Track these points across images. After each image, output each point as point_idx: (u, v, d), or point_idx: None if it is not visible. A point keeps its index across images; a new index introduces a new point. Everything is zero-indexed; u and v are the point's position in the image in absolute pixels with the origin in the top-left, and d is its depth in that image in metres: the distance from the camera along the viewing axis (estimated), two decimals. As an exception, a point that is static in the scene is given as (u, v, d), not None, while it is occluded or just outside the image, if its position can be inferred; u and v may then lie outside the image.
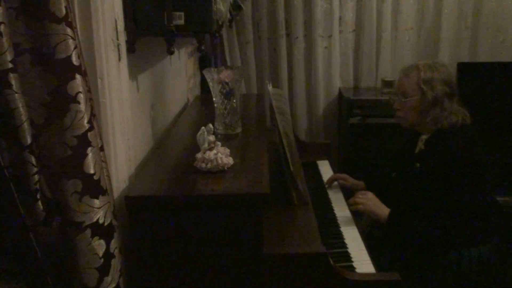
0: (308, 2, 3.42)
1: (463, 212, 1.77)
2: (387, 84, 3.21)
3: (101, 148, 1.14)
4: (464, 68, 3.29)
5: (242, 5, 3.04)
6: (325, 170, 2.44)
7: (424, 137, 1.95)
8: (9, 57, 0.87)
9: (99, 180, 1.08)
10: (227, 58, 3.39)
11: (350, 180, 2.27)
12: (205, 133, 1.47)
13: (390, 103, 2.03)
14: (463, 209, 1.77)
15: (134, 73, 1.62)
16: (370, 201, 1.92)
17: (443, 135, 1.85)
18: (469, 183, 1.77)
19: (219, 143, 1.48)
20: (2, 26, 0.85)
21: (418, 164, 1.91)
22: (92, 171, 1.06)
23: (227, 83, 1.78)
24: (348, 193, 2.23)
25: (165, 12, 1.47)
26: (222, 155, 1.46)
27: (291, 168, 1.74)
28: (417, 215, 1.86)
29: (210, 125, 1.48)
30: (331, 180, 2.27)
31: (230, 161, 1.49)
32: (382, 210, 1.89)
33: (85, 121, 1.04)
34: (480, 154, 1.82)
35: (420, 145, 1.96)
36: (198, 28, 1.57)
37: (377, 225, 2.02)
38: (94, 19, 1.21)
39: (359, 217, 2.01)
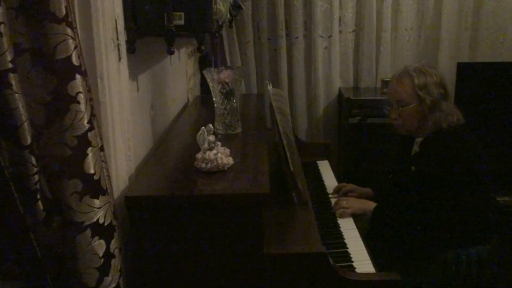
0: (308, 2, 3.42)
1: (462, 212, 1.77)
2: (387, 84, 3.20)
3: (101, 148, 1.14)
4: (464, 68, 3.29)
5: (242, 5, 3.05)
6: (325, 170, 2.44)
7: (419, 139, 1.94)
8: (9, 57, 0.87)
9: (99, 180, 1.08)
10: (227, 58, 3.39)
11: (358, 191, 2.21)
12: (205, 133, 1.47)
13: (386, 113, 2.01)
14: (462, 209, 1.77)
15: (134, 73, 1.62)
16: (355, 202, 1.94)
17: (439, 137, 1.84)
18: (468, 184, 1.77)
19: (219, 143, 1.48)
20: (2, 26, 0.85)
21: (413, 167, 1.91)
22: (92, 171, 1.06)
23: (227, 83, 1.78)
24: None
25: (165, 12, 1.47)
26: (222, 155, 1.46)
27: (291, 168, 1.74)
28: (404, 208, 1.87)
29: (210, 125, 1.48)
30: (338, 189, 2.20)
31: (230, 161, 1.49)
32: (369, 204, 1.92)
33: (85, 121, 1.04)
34: (478, 153, 1.82)
35: (416, 148, 1.96)
36: (198, 28, 1.57)
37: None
38: (94, 19, 1.21)
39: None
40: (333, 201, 2.09)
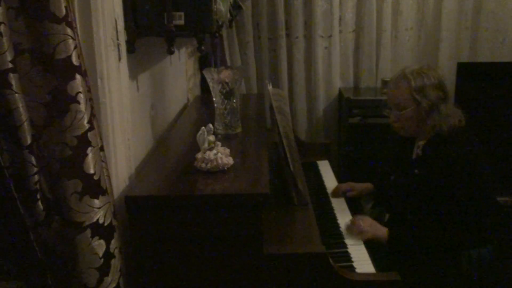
0: (308, 2, 3.42)
1: (464, 215, 1.77)
2: (387, 84, 3.21)
3: (101, 148, 1.14)
4: (464, 68, 3.29)
5: (242, 5, 3.04)
6: (325, 170, 2.44)
7: (421, 143, 1.92)
8: (9, 57, 0.87)
9: (99, 180, 1.08)
10: (227, 58, 3.39)
11: (358, 187, 2.20)
12: (205, 133, 1.47)
13: (386, 116, 2.00)
14: (464, 212, 1.76)
15: (134, 73, 1.62)
16: (369, 227, 1.81)
17: (441, 140, 1.83)
18: (471, 187, 1.76)
19: (219, 143, 1.48)
20: (2, 26, 0.85)
21: (416, 171, 1.90)
22: (92, 171, 1.06)
23: (227, 83, 1.78)
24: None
25: (165, 12, 1.47)
26: (222, 155, 1.46)
27: (291, 168, 1.74)
28: (416, 225, 1.83)
29: (210, 125, 1.48)
30: (337, 192, 2.17)
31: (230, 161, 1.49)
32: (382, 231, 1.81)
33: (85, 121, 1.04)
34: (480, 156, 1.81)
35: (418, 151, 1.95)
36: (198, 28, 1.57)
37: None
38: (94, 19, 1.21)
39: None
40: (333, 201, 2.09)
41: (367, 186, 2.23)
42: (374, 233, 1.79)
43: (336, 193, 2.17)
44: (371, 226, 1.81)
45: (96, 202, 1.07)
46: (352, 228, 1.81)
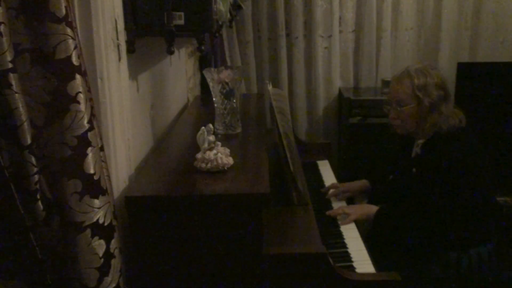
0: (308, 2, 3.42)
1: (462, 213, 1.77)
2: (387, 84, 3.19)
3: (101, 148, 1.14)
4: (464, 68, 3.29)
5: (242, 5, 3.05)
6: (325, 170, 2.44)
7: (420, 142, 1.93)
8: (9, 57, 0.87)
9: (99, 180, 1.08)
10: (227, 58, 3.39)
11: (353, 188, 2.19)
12: (205, 133, 1.47)
13: (385, 112, 2.01)
14: (463, 210, 1.77)
15: (134, 73, 1.62)
16: (355, 208, 1.92)
17: (440, 139, 1.83)
18: (469, 186, 1.76)
19: (219, 143, 1.48)
20: (2, 26, 0.85)
21: (414, 170, 1.90)
22: (92, 171, 1.06)
23: (227, 83, 1.78)
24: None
25: (165, 12, 1.47)
26: (222, 155, 1.46)
27: (291, 168, 1.74)
28: (406, 210, 1.87)
29: (210, 125, 1.48)
30: (332, 192, 2.15)
31: (230, 161, 1.49)
32: (370, 208, 1.91)
33: (85, 121, 1.04)
34: (479, 156, 1.81)
35: (417, 150, 1.95)
36: (198, 28, 1.57)
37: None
38: (94, 19, 1.21)
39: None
40: (333, 201, 2.09)
41: (362, 184, 2.22)
42: (363, 211, 1.90)
43: (331, 191, 2.15)
44: (357, 207, 1.95)
45: (96, 202, 1.07)
46: (336, 212, 1.90)
